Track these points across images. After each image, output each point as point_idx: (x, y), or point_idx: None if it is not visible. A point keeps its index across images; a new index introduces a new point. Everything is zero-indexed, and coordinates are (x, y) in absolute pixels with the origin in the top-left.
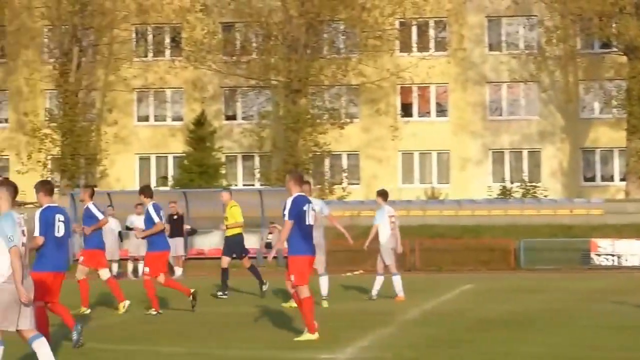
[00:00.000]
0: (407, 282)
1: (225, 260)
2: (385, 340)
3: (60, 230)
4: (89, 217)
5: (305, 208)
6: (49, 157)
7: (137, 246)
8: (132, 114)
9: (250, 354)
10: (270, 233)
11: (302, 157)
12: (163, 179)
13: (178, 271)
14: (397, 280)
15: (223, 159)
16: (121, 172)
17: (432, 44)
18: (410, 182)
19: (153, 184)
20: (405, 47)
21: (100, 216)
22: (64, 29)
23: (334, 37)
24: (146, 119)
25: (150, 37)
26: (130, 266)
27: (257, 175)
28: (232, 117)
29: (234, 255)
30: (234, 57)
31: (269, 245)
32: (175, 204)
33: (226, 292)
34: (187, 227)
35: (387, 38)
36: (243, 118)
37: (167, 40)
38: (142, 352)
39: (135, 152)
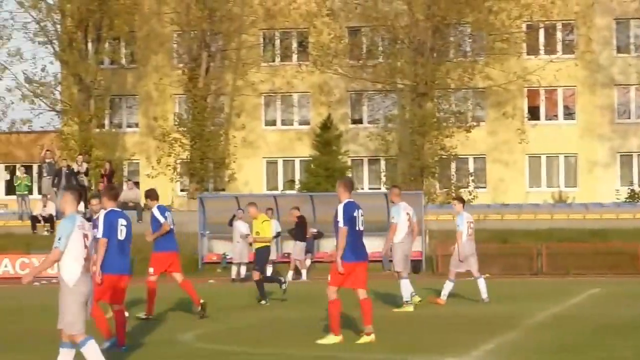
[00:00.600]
0: (534, 286)
1: (256, 275)
2: (511, 344)
3: (122, 233)
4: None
5: (355, 214)
6: (178, 161)
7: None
8: (260, 118)
9: (377, 357)
10: None
11: (428, 160)
12: (290, 183)
13: (303, 274)
14: (449, 286)
15: (349, 163)
16: (249, 175)
17: (559, 47)
18: (537, 186)
19: (280, 187)
20: (533, 50)
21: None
22: (193, 35)
23: (460, 40)
24: (273, 123)
25: (277, 42)
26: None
27: (383, 179)
28: (358, 121)
29: (257, 267)
30: (360, 61)
31: None
32: (297, 209)
33: (267, 300)
34: (313, 230)
35: (514, 41)
36: (369, 122)
37: (294, 45)
38: (269, 356)
39: (262, 155)
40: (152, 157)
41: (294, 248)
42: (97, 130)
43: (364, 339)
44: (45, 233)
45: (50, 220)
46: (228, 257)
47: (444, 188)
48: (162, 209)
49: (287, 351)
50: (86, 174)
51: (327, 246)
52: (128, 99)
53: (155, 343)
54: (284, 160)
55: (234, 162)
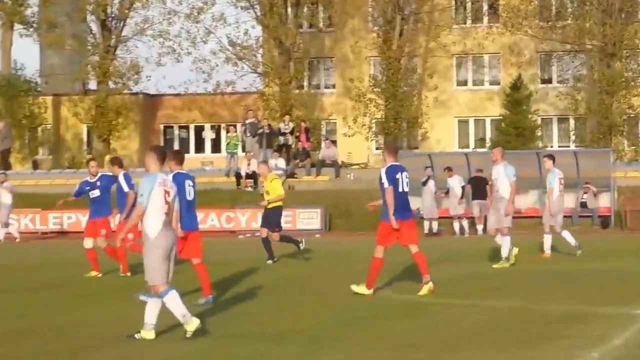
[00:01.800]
0: None
1: (264, 232)
2: None
3: (190, 194)
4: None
5: (398, 176)
6: (373, 120)
7: (455, 206)
8: (452, 79)
9: (569, 309)
10: (584, 193)
11: (616, 119)
12: (481, 141)
13: (479, 229)
14: (548, 240)
15: (539, 122)
16: (441, 134)
17: None
18: None
19: (472, 145)
20: None
21: (126, 188)
22: None
23: None
24: (465, 83)
25: (468, 5)
26: (456, 225)
27: (572, 137)
28: (548, 81)
29: (271, 226)
30: (549, 23)
31: (584, 205)
32: (450, 170)
33: (275, 259)
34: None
35: None
36: (558, 82)
37: (485, 7)
38: (465, 306)
39: (454, 115)
40: (348, 116)
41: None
42: (297, 91)
43: (424, 289)
44: (249, 189)
45: (253, 176)
46: (420, 212)
47: (632, 145)
48: (128, 177)
49: (486, 303)
50: (292, 132)
51: (518, 203)
52: (325, 61)
53: (351, 293)
54: (474, 120)
55: (427, 121)
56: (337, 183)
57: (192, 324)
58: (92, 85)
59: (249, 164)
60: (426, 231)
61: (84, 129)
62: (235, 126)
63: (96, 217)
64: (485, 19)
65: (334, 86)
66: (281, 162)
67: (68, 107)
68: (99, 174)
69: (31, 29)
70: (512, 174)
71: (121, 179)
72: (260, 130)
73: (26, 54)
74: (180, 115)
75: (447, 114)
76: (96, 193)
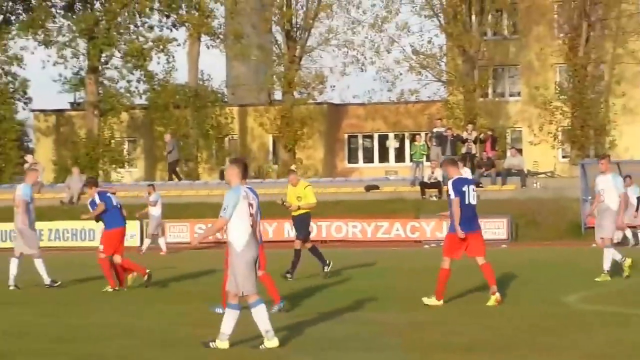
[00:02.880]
0: None
1: (298, 243)
2: None
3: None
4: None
5: (464, 189)
6: (559, 128)
7: (629, 215)
8: None
9: None
10: None
11: None
12: None
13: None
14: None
15: None
16: (629, 142)
17: None
18: None
19: None
20: None
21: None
22: (573, 5)
23: None
24: None
25: None
26: (628, 233)
27: None
28: None
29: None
30: None
31: None
32: None
33: (328, 263)
34: None
35: None
36: None
37: None
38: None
39: None
40: (533, 124)
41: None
42: (481, 99)
43: (491, 299)
44: (434, 198)
45: (437, 185)
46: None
47: None
48: (102, 195)
49: None
50: (475, 141)
51: None
52: (510, 68)
53: (539, 302)
54: None
55: (615, 128)
56: (523, 192)
57: (272, 342)
58: (278, 95)
59: (432, 172)
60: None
61: (269, 139)
62: (420, 135)
63: None
64: None
65: (518, 94)
66: (467, 172)
67: (254, 118)
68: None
69: (217, 40)
70: (622, 185)
71: (96, 197)
72: (446, 139)
73: (213, 65)
74: (364, 125)
75: (635, 120)
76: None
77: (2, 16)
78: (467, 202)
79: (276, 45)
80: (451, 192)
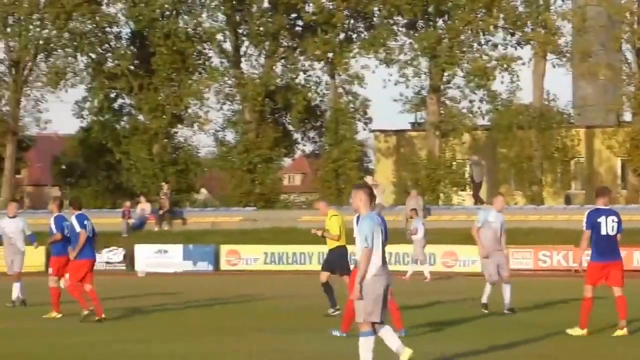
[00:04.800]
0: None
1: (324, 275)
2: None
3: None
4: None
5: (599, 220)
6: None
7: None
8: None
9: None
10: None
11: None
12: None
13: None
14: None
15: None
16: None
17: None
18: None
19: None
20: None
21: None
22: None
23: None
24: None
25: None
26: None
27: None
28: None
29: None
30: None
31: None
32: None
33: (337, 308)
34: None
35: None
36: None
37: None
38: None
39: None
40: None
41: None
42: None
43: (618, 332)
44: None
45: None
46: None
47: None
48: (81, 218)
49: None
50: None
51: None
52: None
53: None
54: None
55: None
56: None
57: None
58: (627, 116)
59: None
60: None
61: (617, 163)
62: None
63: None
64: None
65: None
66: None
67: (601, 140)
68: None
69: (564, 59)
70: None
71: (73, 219)
72: None
73: (558, 84)
74: None
75: None
76: None
77: (343, 34)
78: (604, 232)
79: (626, 65)
80: (584, 223)
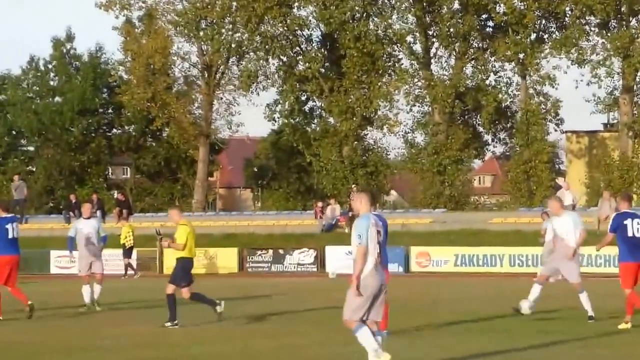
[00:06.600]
0: None
1: (170, 288)
2: None
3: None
4: None
5: (626, 222)
6: None
7: None
8: None
9: None
10: None
11: None
12: None
13: None
14: None
15: None
16: None
17: None
18: None
19: None
20: None
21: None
22: None
23: None
24: None
25: None
26: None
27: None
28: None
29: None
30: None
31: None
32: None
33: (176, 322)
34: None
35: None
36: None
37: None
38: None
39: None
40: None
41: None
42: None
43: (622, 325)
44: None
45: None
46: None
47: None
48: (4, 220)
49: None
50: None
51: None
52: None
53: None
54: None
55: None
56: None
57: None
58: None
59: None
60: None
61: None
62: None
63: None
64: None
65: None
66: None
67: None
68: None
69: None
70: None
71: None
72: None
73: None
74: None
75: None
76: None
77: (534, 34)
78: (630, 234)
79: None
80: (609, 225)
